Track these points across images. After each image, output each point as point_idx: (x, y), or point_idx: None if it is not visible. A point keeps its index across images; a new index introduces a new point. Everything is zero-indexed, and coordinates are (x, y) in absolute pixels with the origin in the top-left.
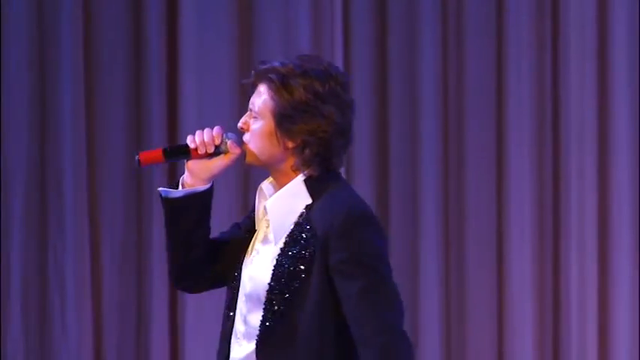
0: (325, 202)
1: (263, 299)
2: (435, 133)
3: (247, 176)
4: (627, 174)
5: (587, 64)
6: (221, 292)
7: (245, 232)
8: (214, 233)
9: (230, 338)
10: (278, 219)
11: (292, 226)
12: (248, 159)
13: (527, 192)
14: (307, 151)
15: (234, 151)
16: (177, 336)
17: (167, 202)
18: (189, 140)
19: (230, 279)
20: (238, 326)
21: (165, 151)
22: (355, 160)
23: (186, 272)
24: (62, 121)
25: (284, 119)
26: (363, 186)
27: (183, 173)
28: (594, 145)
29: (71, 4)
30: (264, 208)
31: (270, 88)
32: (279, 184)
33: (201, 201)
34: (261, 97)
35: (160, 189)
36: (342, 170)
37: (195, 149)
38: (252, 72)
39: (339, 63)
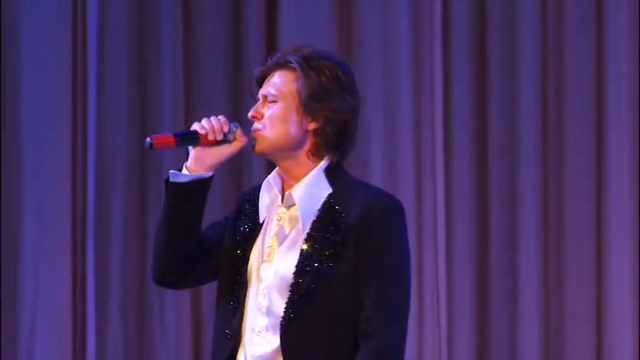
0: (349, 191)
1: (289, 287)
2: (534, 132)
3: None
4: None
5: None
6: None
7: (244, 230)
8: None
9: (238, 337)
10: (306, 206)
11: (317, 214)
12: (258, 147)
13: (627, 191)
14: (328, 130)
15: (242, 139)
16: None
17: (173, 186)
18: (197, 127)
19: (227, 278)
20: (259, 321)
21: (176, 136)
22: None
23: (173, 267)
24: (162, 121)
25: (309, 98)
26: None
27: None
28: None
29: (170, 3)
30: (281, 199)
31: (290, 71)
32: (289, 176)
33: (201, 188)
34: (280, 81)
35: (172, 171)
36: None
37: (206, 135)
38: (267, 63)
39: (438, 63)
